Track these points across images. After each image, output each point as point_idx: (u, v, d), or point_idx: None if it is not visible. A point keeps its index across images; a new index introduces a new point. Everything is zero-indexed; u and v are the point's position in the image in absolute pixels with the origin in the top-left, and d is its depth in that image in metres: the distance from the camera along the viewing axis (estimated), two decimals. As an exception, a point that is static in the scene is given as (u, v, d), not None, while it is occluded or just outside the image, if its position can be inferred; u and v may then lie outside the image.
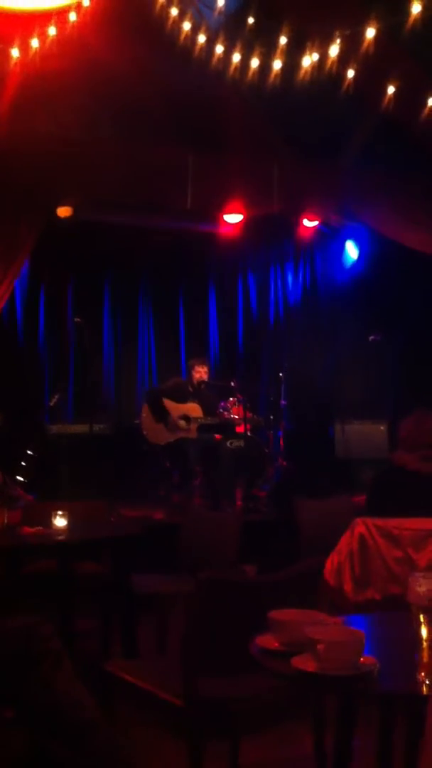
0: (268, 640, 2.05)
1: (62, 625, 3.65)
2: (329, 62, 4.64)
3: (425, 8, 4.15)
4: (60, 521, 3.94)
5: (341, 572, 3.63)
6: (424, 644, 1.85)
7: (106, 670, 2.78)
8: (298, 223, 8.03)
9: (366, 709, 2.55)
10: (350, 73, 4.80)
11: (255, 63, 4.84)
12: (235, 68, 4.88)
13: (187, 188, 6.85)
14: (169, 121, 6.16)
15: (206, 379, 7.34)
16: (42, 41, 4.71)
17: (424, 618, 1.85)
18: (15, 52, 4.79)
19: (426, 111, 5.22)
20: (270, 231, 8.37)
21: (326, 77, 4.77)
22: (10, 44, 4.78)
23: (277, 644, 2.03)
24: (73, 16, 4.61)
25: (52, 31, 4.66)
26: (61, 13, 4.63)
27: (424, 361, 7.77)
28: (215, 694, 2.48)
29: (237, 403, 7.22)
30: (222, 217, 7.51)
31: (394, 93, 5.02)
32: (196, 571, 3.40)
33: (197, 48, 4.77)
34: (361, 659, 1.87)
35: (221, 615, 2.54)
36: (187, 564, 4.16)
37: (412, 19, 4.21)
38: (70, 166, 6.39)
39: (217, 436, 7.12)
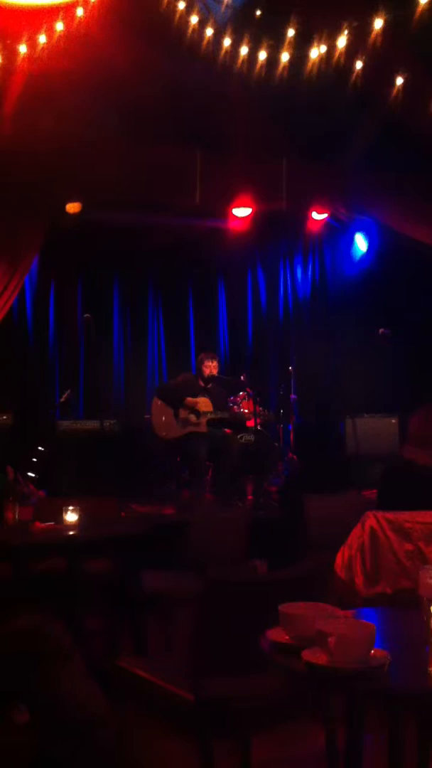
0: (278, 634, 2.04)
1: (71, 623, 3.64)
2: (336, 55, 4.61)
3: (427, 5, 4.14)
4: (71, 516, 3.94)
5: (352, 566, 3.62)
6: (436, 637, 1.84)
7: (115, 667, 2.78)
8: (307, 216, 8.00)
9: (377, 705, 2.54)
10: (357, 65, 4.78)
11: (262, 56, 4.81)
12: (243, 62, 4.85)
13: (195, 185, 6.84)
14: (175, 118, 6.14)
15: (216, 374, 7.33)
16: (49, 37, 4.70)
17: (435, 611, 1.84)
18: (23, 48, 4.78)
19: (430, 108, 5.19)
20: (279, 225, 8.34)
21: (333, 72, 4.75)
22: (18, 41, 4.77)
23: (287, 638, 2.02)
24: (79, 12, 4.59)
25: (59, 26, 4.64)
26: (68, 9, 4.61)
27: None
28: (223, 692, 2.47)
29: (247, 398, 7.21)
30: (231, 212, 7.49)
31: (399, 89, 4.99)
32: (204, 568, 3.39)
33: (205, 42, 4.75)
34: (372, 652, 1.86)
35: (229, 614, 2.53)
36: (195, 561, 4.14)
37: (415, 14, 4.19)
38: (76, 164, 6.38)
39: (228, 430, 7.10)
